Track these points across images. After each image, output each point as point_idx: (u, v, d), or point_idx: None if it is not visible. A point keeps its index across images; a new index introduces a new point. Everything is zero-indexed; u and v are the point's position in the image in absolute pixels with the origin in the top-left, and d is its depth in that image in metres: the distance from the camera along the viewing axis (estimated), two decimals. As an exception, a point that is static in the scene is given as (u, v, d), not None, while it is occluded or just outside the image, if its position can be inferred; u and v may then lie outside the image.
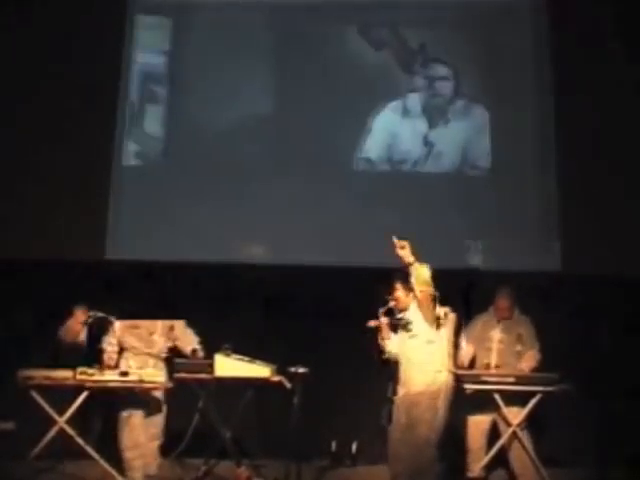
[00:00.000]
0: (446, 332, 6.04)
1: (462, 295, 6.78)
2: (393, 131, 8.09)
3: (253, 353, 6.54)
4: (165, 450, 7.04)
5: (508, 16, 8.15)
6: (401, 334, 6.07)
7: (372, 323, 6.22)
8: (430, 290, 5.85)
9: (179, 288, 7.70)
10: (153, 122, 8.15)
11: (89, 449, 6.50)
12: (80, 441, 6.52)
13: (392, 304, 6.13)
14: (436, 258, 5.99)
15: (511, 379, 6.52)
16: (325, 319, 7.57)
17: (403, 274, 5.98)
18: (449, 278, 6.13)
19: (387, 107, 8.12)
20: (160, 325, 6.85)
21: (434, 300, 5.89)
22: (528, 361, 6.73)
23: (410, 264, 5.79)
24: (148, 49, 8.26)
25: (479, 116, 8.09)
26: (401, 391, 5.99)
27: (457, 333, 6.37)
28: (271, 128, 8.13)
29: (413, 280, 5.84)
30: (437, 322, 5.95)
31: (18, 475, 6.35)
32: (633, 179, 7.79)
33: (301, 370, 6.24)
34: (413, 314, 6.01)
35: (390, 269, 6.13)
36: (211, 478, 6.69)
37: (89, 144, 8.05)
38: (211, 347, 6.57)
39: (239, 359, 6.47)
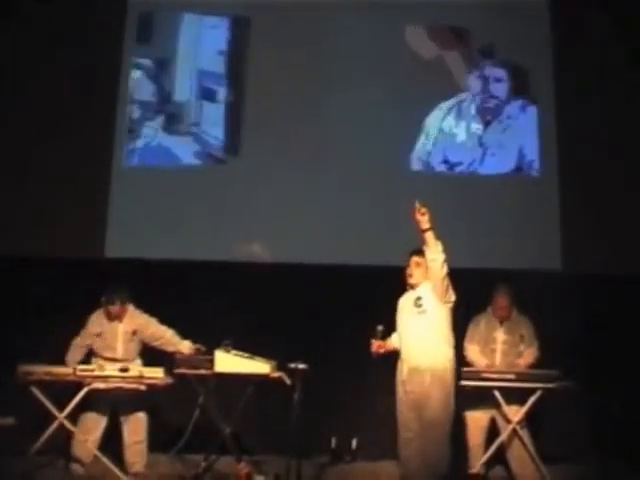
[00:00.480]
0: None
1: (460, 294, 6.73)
2: (449, 132, 8.09)
3: (253, 349, 6.53)
4: (165, 446, 7.06)
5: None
6: (410, 309, 5.99)
7: (375, 351, 6.16)
8: (442, 258, 5.79)
9: (179, 286, 7.70)
10: (212, 122, 8.15)
11: (90, 445, 6.52)
12: (81, 437, 6.54)
13: (380, 330, 6.12)
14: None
15: (511, 376, 6.53)
16: (326, 315, 7.58)
17: (418, 250, 5.98)
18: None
19: (442, 107, 8.10)
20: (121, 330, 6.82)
21: (445, 269, 5.84)
22: (526, 358, 6.78)
23: (425, 230, 5.75)
24: (206, 49, 8.27)
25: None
26: (404, 368, 5.94)
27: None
28: (325, 127, 8.08)
29: (426, 248, 5.82)
30: (447, 294, 5.89)
31: (19, 471, 6.34)
32: (633, 178, 7.79)
33: (301, 366, 6.23)
34: (423, 290, 5.97)
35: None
36: (211, 474, 6.69)
37: (89, 143, 8.07)
38: (211, 343, 6.56)
39: (239, 355, 6.47)
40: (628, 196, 7.76)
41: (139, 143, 8.15)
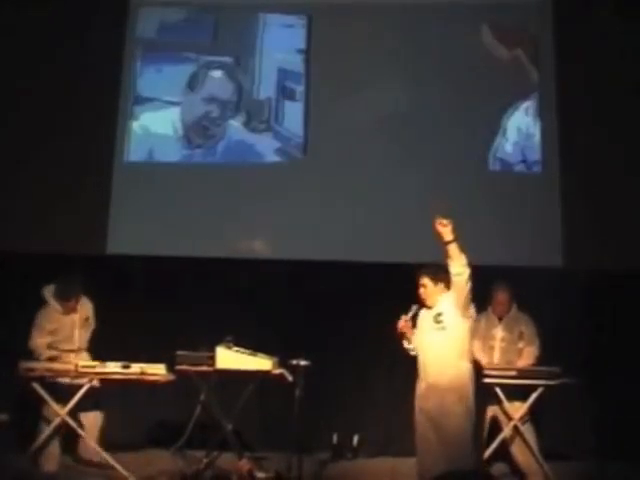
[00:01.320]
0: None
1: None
2: (526, 132, 8.08)
3: (255, 346, 6.53)
4: (166, 442, 7.07)
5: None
6: (430, 325, 5.76)
7: (401, 327, 5.85)
8: (468, 272, 5.56)
9: (181, 282, 7.71)
10: (292, 119, 8.16)
11: (90, 441, 6.52)
12: (81, 433, 6.55)
13: (415, 309, 5.84)
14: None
15: (513, 373, 6.54)
16: (328, 312, 7.58)
17: (429, 269, 5.80)
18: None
19: (519, 107, 8.09)
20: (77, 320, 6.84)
21: (470, 284, 5.60)
22: (525, 359, 6.77)
23: (449, 242, 5.50)
24: (284, 48, 8.30)
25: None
26: (422, 384, 5.73)
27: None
28: (401, 127, 8.06)
29: (449, 261, 5.56)
30: (468, 309, 5.70)
31: (18, 468, 6.33)
32: (634, 174, 7.78)
33: (303, 363, 6.25)
34: (444, 305, 5.75)
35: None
36: (213, 470, 6.67)
37: (91, 140, 8.09)
38: (213, 340, 6.55)
39: (240, 351, 6.46)
40: (629, 192, 7.76)
41: (220, 141, 8.20)
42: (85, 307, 6.88)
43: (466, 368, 5.69)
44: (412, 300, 5.82)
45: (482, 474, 6.30)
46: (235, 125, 8.17)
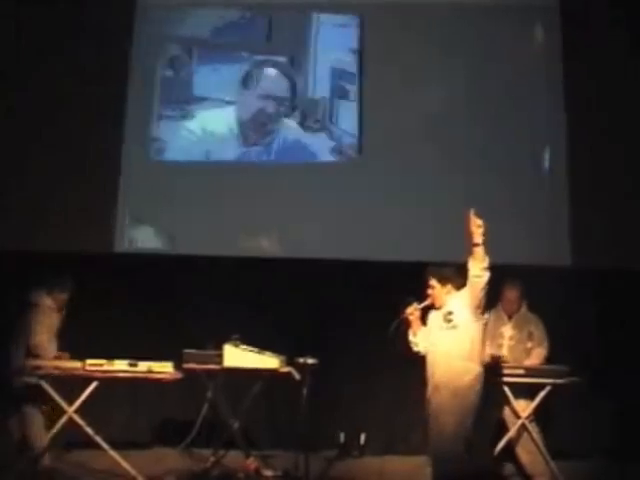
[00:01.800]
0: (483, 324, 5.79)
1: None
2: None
3: (262, 344, 6.53)
4: (174, 440, 7.08)
5: None
6: (440, 324, 5.70)
7: (409, 313, 5.79)
8: (487, 276, 5.50)
9: (188, 281, 7.71)
10: (346, 119, 8.17)
11: (98, 439, 6.52)
12: (89, 431, 6.55)
13: (428, 301, 5.78)
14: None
15: (520, 371, 6.52)
16: (335, 311, 7.58)
17: (435, 270, 5.76)
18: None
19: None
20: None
21: (486, 288, 5.57)
22: (534, 358, 6.74)
23: (477, 245, 5.47)
24: (338, 47, 8.29)
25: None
26: (429, 386, 5.65)
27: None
28: (457, 127, 8.05)
29: (472, 261, 5.50)
30: (480, 310, 5.64)
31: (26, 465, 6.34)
32: (644, 173, 7.78)
33: (310, 361, 6.25)
34: (454, 304, 5.69)
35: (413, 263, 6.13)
36: (220, 468, 6.69)
37: (101, 139, 8.09)
38: (220, 338, 6.55)
39: (248, 350, 6.47)
40: (638, 190, 7.72)
41: (275, 139, 8.23)
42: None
43: (475, 371, 5.59)
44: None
45: (493, 474, 6.38)
46: (290, 124, 8.20)
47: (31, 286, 6.77)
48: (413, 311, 5.78)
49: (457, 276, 5.69)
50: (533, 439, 6.55)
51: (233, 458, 6.84)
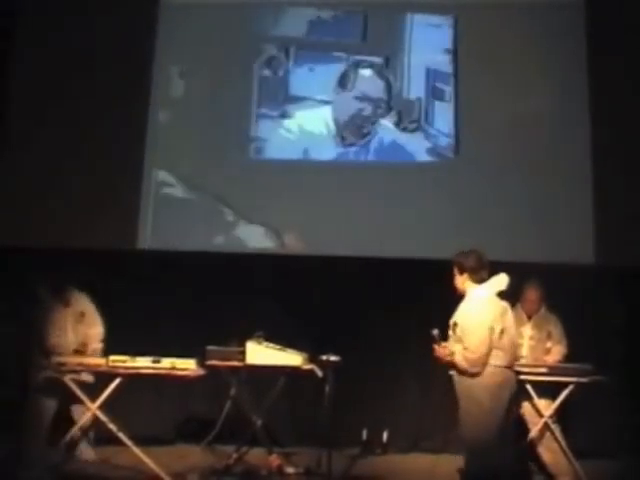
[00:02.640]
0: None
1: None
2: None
3: (285, 341, 6.53)
4: (197, 437, 7.10)
5: None
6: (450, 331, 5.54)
7: (438, 353, 5.53)
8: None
9: (212, 278, 7.73)
10: (442, 120, 8.16)
11: (121, 435, 6.55)
12: (112, 427, 6.57)
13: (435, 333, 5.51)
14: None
15: (543, 370, 6.49)
16: (358, 308, 7.58)
17: (457, 256, 5.61)
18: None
19: None
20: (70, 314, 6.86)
21: None
22: (553, 355, 6.75)
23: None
24: (432, 48, 8.29)
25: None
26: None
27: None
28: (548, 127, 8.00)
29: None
30: None
31: (50, 461, 6.35)
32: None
33: (333, 358, 6.24)
34: (461, 311, 5.51)
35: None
36: (242, 465, 6.69)
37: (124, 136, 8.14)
38: (243, 335, 6.56)
39: (271, 347, 6.46)
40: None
41: (372, 139, 8.23)
42: (80, 301, 6.90)
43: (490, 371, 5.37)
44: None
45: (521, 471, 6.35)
46: (386, 124, 8.19)
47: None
48: (442, 351, 5.48)
49: (475, 268, 5.53)
50: (556, 438, 6.52)
51: (256, 455, 6.85)
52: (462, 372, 5.35)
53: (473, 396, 5.31)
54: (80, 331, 6.89)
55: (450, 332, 5.48)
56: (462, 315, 5.44)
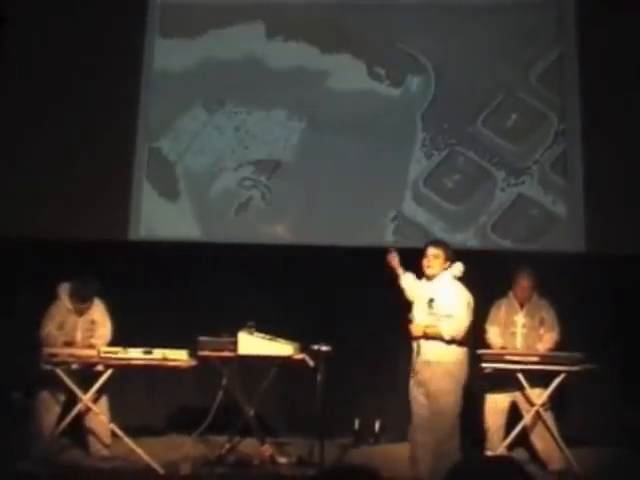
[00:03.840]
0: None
1: (483, 276, 6.64)
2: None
3: (276, 331, 6.54)
4: (189, 427, 7.10)
5: None
6: (424, 307, 5.94)
7: (390, 259, 6.33)
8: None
9: (203, 268, 7.71)
10: None
11: (113, 426, 6.55)
12: (104, 418, 6.58)
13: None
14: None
15: (534, 359, 6.50)
16: (349, 297, 7.57)
17: (435, 241, 6.20)
18: (468, 259, 6.11)
19: None
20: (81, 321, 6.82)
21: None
22: (545, 343, 6.74)
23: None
24: None
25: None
26: (417, 359, 5.97)
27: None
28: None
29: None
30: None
31: (41, 452, 6.36)
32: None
33: (324, 348, 6.25)
34: (440, 288, 5.93)
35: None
36: (235, 455, 6.70)
37: (115, 123, 8.13)
38: (235, 326, 6.56)
39: (262, 337, 6.48)
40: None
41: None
42: (96, 309, 6.84)
43: (456, 352, 5.84)
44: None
45: (509, 461, 6.35)
46: None
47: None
48: (392, 257, 6.28)
49: (453, 257, 6.04)
50: (548, 426, 6.54)
51: (248, 445, 6.87)
52: (447, 340, 5.84)
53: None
54: (87, 335, 6.80)
55: (422, 307, 5.94)
56: (441, 292, 5.91)
